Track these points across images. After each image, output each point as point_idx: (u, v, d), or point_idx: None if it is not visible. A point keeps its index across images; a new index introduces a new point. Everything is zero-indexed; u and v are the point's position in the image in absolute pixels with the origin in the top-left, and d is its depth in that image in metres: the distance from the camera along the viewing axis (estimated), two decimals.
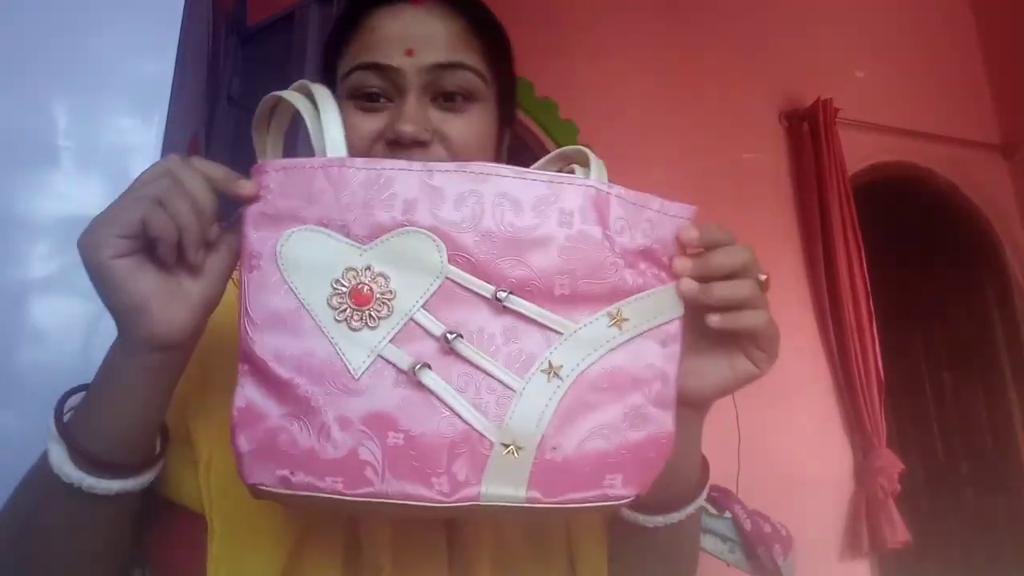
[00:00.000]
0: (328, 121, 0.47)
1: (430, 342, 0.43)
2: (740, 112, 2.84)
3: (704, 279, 0.47)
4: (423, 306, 0.43)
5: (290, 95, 0.49)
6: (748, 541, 1.70)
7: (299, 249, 0.43)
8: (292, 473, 0.41)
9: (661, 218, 0.47)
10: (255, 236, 0.44)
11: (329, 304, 0.43)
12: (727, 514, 1.73)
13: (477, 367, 0.43)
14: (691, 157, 2.71)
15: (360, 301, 0.43)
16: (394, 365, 0.43)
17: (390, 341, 0.43)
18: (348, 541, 0.54)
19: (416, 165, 0.44)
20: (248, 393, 0.43)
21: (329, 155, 0.46)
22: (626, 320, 0.46)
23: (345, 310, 0.43)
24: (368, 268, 0.43)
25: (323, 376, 0.42)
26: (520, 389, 0.43)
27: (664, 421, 0.47)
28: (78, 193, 0.85)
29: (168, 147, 0.93)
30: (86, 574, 0.50)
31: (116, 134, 0.89)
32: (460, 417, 0.43)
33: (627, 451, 0.45)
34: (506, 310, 0.44)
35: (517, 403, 0.43)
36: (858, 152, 2.92)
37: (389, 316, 0.43)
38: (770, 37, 3.00)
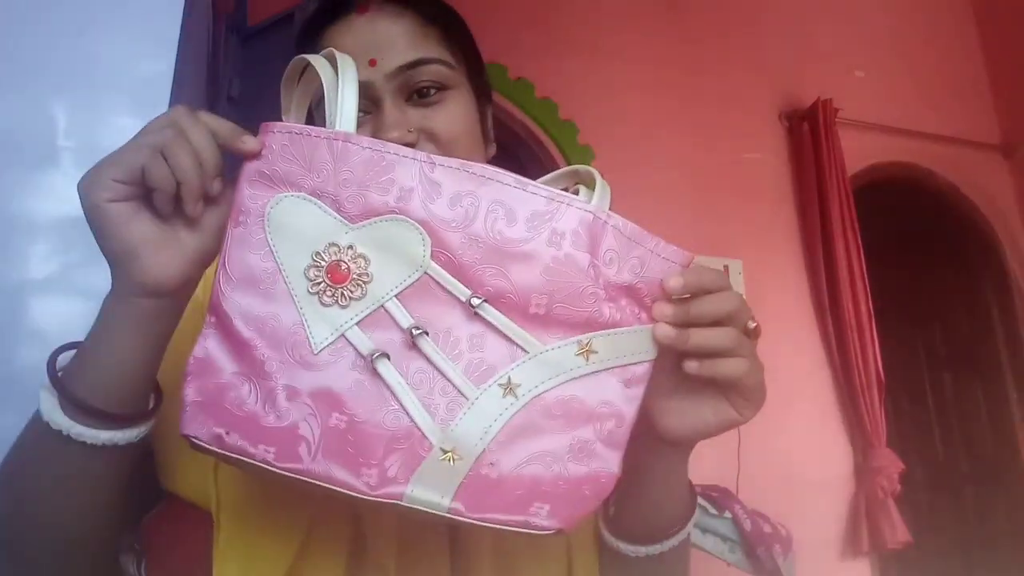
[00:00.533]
0: (346, 93, 0.46)
1: (396, 333, 0.43)
2: (740, 112, 2.84)
3: (685, 325, 0.46)
4: (397, 295, 0.43)
5: (316, 60, 0.48)
6: (748, 541, 1.70)
7: (288, 214, 0.43)
8: (227, 433, 0.41)
9: (653, 258, 0.47)
10: (248, 193, 0.44)
11: (306, 275, 0.43)
12: (727, 514, 1.73)
13: (436, 367, 0.43)
14: (691, 157, 2.71)
15: (337, 278, 0.43)
16: (355, 348, 0.43)
17: (357, 323, 0.43)
18: (353, 540, 0.54)
19: (421, 155, 0.44)
20: (209, 345, 0.43)
21: (339, 127, 0.45)
22: (595, 352, 0.45)
23: (320, 283, 0.43)
24: (351, 247, 0.43)
25: (283, 343, 0.42)
26: (473, 398, 0.43)
27: (610, 461, 0.45)
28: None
29: None
30: (76, 530, 0.49)
31: (116, 134, 0.89)
32: (407, 413, 0.42)
33: (563, 483, 0.44)
34: (477, 317, 0.43)
35: (467, 412, 0.43)
36: (858, 152, 2.92)
37: (362, 299, 0.43)
38: (770, 37, 3.00)
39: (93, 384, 0.45)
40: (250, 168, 0.45)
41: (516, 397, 0.43)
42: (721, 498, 1.78)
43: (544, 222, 0.44)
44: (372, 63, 0.57)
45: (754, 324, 0.49)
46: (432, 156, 0.44)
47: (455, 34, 0.63)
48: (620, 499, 0.57)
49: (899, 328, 3.36)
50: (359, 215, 0.43)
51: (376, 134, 0.56)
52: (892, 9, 3.28)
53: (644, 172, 2.61)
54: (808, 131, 2.81)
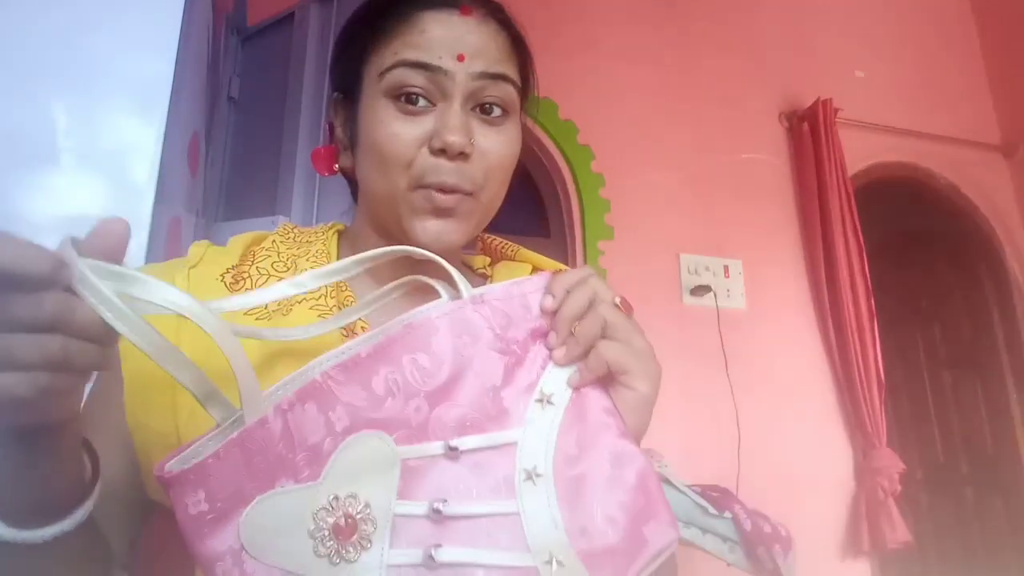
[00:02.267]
0: (245, 384, 0.40)
1: (422, 523, 0.43)
2: (740, 112, 2.84)
3: (568, 334, 0.49)
4: (399, 498, 0.43)
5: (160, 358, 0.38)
6: (748, 541, 1.70)
7: (260, 527, 0.40)
8: None
9: (527, 298, 0.49)
10: (210, 546, 0.40)
11: (317, 554, 0.40)
12: (727, 514, 1.73)
13: (475, 516, 0.43)
14: (691, 157, 2.71)
15: (346, 534, 0.41)
16: (409, 565, 0.42)
17: (390, 548, 0.42)
18: None
19: (314, 375, 0.42)
20: None
21: (248, 415, 0.40)
22: (552, 394, 0.48)
23: (336, 551, 0.41)
24: (335, 498, 0.41)
25: None
26: (521, 508, 0.44)
27: (631, 449, 0.48)
28: (78, 193, 0.85)
29: (168, 147, 0.93)
30: None
31: (116, 134, 0.89)
32: (497, 567, 0.42)
33: (634, 491, 0.46)
34: (462, 453, 0.45)
35: (527, 522, 0.44)
36: (858, 152, 2.92)
37: (376, 528, 0.42)
38: (770, 37, 3.00)
39: (23, 500, 0.42)
40: (188, 528, 0.40)
41: (542, 475, 0.45)
42: (721, 498, 1.78)
43: (446, 338, 0.46)
44: (460, 58, 0.57)
45: (619, 299, 0.51)
46: (324, 370, 0.43)
47: (530, 71, 0.65)
48: None
49: (899, 328, 3.36)
50: (317, 467, 0.42)
51: (439, 132, 0.56)
52: (892, 9, 3.28)
53: (644, 172, 2.62)
54: (808, 131, 2.81)
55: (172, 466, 0.39)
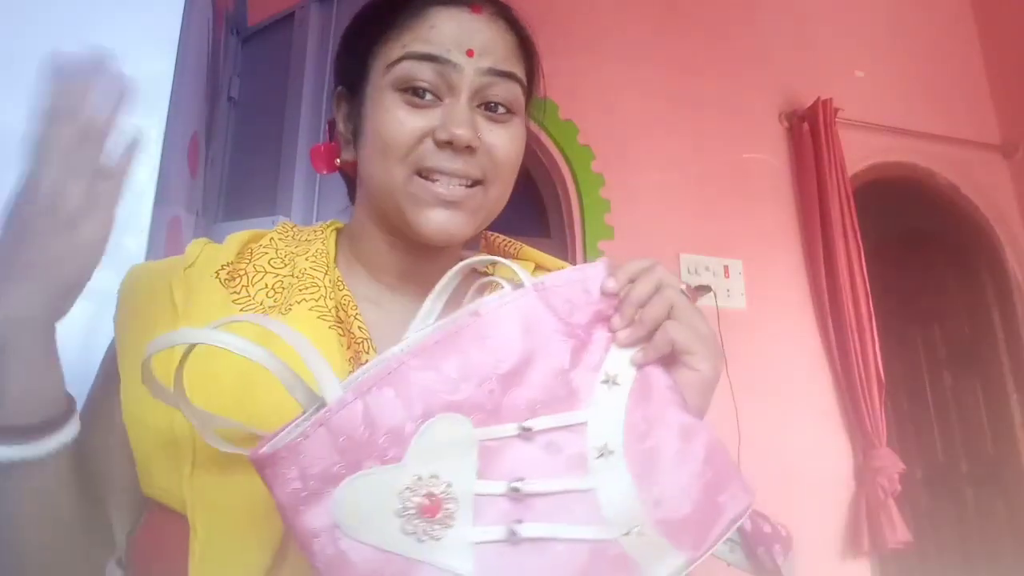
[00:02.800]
0: (320, 373, 0.43)
1: (502, 501, 0.44)
2: (740, 112, 2.85)
3: (634, 319, 0.50)
4: (478, 478, 0.44)
5: (246, 350, 0.44)
6: (748, 541, 1.70)
7: (352, 504, 0.42)
8: None
9: (587, 283, 0.51)
10: (306, 522, 0.42)
11: (405, 532, 0.42)
12: None
13: (552, 494, 0.45)
14: (691, 157, 2.71)
15: (431, 512, 0.43)
16: (492, 542, 0.43)
17: (473, 526, 0.43)
18: None
19: (391, 362, 0.44)
20: None
21: (329, 398, 0.43)
22: (616, 375, 0.49)
23: (424, 529, 0.42)
24: (418, 478, 0.43)
25: None
26: (594, 484, 0.45)
27: (697, 423, 0.50)
28: None
29: (168, 147, 0.93)
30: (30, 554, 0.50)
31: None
32: (578, 541, 0.44)
33: (708, 462, 0.48)
34: (535, 433, 0.46)
35: (601, 497, 0.45)
36: (858, 152, 2.92)
37: (459, 506, 0.43)
38: (770, 38, 3.00)
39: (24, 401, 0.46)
40: (286, 504, 0.42)
41: (614, 451, 0.46)
42: None
43: (516, 327, 0.47)
44: (470, 53, 0.57)
45: (683, 286, 0.53)
46: (399, 356, 0.45)
47: (533, 67, 0.65)
48: None
49: (899, 328, 3.36)
50: (401, 449, 0.43)
51: (445, 124, 0.56)
52: (892, 9, 3.28)
53: (644, 172, 2.61)
54: (808, 131, 2.81)
55: (266, 448, 0.42)
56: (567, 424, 0.47)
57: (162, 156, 0.90)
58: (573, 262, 2.28)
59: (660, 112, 2.72)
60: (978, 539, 3.03)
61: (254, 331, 0.48)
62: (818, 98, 2.81)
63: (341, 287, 0.61)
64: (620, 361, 0.50)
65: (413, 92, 0.57)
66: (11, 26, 0.87)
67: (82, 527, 0.52)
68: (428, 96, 0.57)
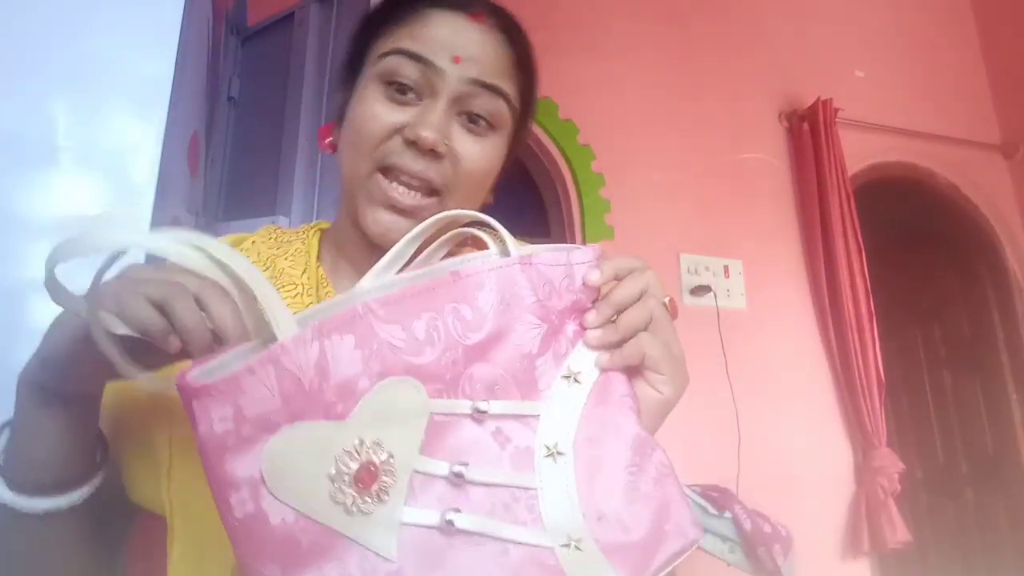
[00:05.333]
0: (271, 303, 0.37)
1: (441, 484, 0.40)
2: (740, 112, 2.85)
3: (610, 320, 0.48)
4: (421, 454, 0.40)
5: (190, 257, 0.37)
6: (748, 541, 1.70)
7: (283, 458, 0.36)
8: None
9: (572, 268, 0.47)
10: (230, 470, 0.36)
11: (334, 500, 0.37)
12: (727, 514, 1.74)
13: (493, 485, 0.41)
14: (691, 157, 2.71)
15: (367, 483, 0.38)
16: (423, 526, 0.39)
17: (405, 505, 0.39)
18: None
19: (354, 304, 0.40)
20: None
21: (282, 333, 0.37)
22: (579, 372, 0.46)
23: (354, 501, 0.37)
24: (360, 442, 0.38)
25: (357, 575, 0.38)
26: (539, 483, 0.42)
27: (651, 439, 0.47)
28: (78, 193, 0.85)
29: (168, 147, 0.93)
30: None
31: (116, 134, 0.89)
32: (513, 543, 0.40)
33: (656, 482, 0.45)
34: (488, 416, 0.43)
35: (544, 499, 0.42)
36: (858, 152, 2.92)
37: (396, 481, 0.39)
38: (770, 37, 3.00)
39: (32, 460, 0.45)
40: (210, 446, 0.35)
41: (563, 453, 0.43)
42: (721, 498, 1.78)
43: (491, 294, 0.44)
44: (456, 60, 0.57)
45: (667, 298, 0.50)
46: (369, 301, 0.40)
47: (531, 90, 0.64)
48: None
49: (899, 328, 3.36)
50: (347, 406, 0.38)
51: (415, 125, 0.55)
52: (892, 9, 3.28)
53: (644, 172, 2.61)
54: (808, 131, 2.81)
55: (197, 375, 0.35)
56: (520, 414, 0.44)
57: (162, 156, 0.90)
58: None
59: (660, 112, 2.72)
60: (978, 539, 3.03)
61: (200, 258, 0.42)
62: (818, 98, 2.81)
63: (325, 284, 0.61)
64: (585, 359, 0.47)
65: (396, 87, 0.57)
66: (10, 26, 0.87)
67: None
68: (410, 94, 0.57)
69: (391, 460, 0.39)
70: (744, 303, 2.59)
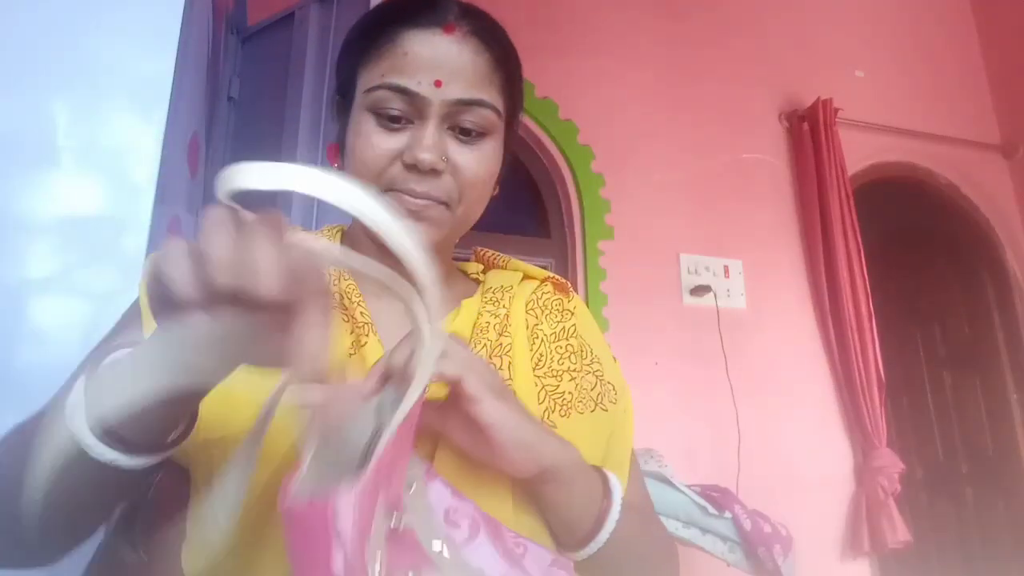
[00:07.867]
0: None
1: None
2: (740, 112, 2.85)
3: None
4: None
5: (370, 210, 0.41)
6: (748, 541, 1.70)
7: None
8: None
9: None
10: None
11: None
12: (727, 514, 1.73)
13: None
14: (691, 157, 2.71)
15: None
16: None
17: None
18: None
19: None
20: None
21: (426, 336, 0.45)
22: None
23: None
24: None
25: None
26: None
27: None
28: (78, 193, 0.85)
29: (168, 147, 0.93)
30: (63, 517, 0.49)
31: (116, 134, 0.89)
32: None
33: None
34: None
35: None
36: (858, 152, 2.92)
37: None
38: (770, 37, 3.00)
39: (131, 415, 0.43)
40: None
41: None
42: (721, 498, 1.78)
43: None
44: (437, 84, 0.59)
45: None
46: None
47: (515, 83, 0.65)
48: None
49: (899, 328, 3.36)
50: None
51: (412, 148, 0.59)
52: (892, 9, 3.29)
53: (644, 172, 2.62)
54: (808, 131, 2.82)
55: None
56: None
57: (162, 156, 0.90)
58: (573, 262, 2.28)
59: (660, 112, 2.72)
60: (978, 539, 3.03)
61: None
62: (818, 98, 2.81)
63: (346, 278, 0.64)
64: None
65: (388, 117, 0.60)
66: (11, 26, 0.87)
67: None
68: (401, 120, 0.60)
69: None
70: (744, 303, 2.60)
